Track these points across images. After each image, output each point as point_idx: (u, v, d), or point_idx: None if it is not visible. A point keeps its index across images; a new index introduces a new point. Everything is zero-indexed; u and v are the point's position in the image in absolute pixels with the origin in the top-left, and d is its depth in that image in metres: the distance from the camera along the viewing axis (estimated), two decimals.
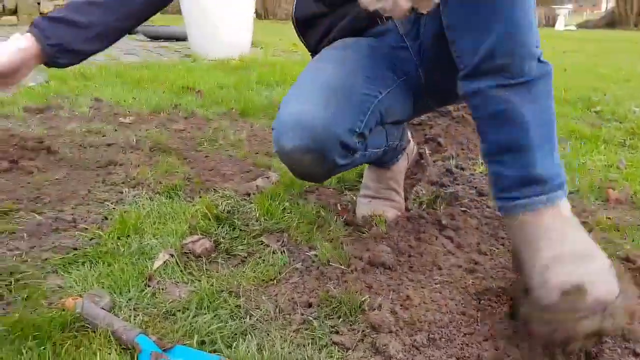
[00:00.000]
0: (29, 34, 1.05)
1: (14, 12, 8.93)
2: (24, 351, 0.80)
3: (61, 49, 1.07)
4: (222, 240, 1.23)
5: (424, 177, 1.48)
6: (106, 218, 1.36)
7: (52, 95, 2.62)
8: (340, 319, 0.93)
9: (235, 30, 4.41)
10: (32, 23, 1.07)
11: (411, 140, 1.49)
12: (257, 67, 3.74)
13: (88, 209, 1.40)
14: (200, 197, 1.49)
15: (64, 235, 1.23)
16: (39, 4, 9.15)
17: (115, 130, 2.13)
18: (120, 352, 0.82)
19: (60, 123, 2.18)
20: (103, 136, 2.05)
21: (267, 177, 1.67)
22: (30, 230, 1.25)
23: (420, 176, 1.41)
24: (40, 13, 9.08)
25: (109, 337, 0.84)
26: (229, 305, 0.97)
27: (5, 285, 1.02)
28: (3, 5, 8.82)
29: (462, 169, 1.74)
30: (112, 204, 1.43)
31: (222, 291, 1.01)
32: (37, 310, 0.93)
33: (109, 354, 0.81)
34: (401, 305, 0.95)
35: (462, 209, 1.41)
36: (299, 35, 1.26)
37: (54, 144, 1.84)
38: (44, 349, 0.81)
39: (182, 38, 6.09)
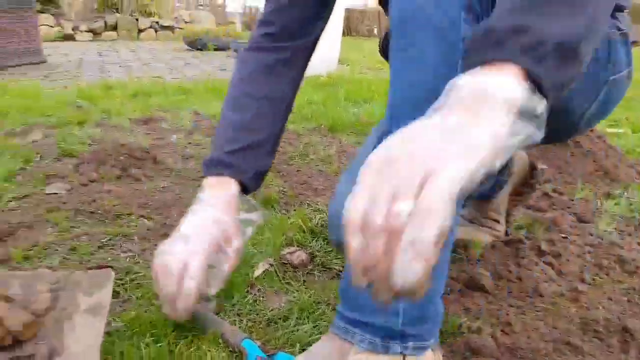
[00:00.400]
0: (214, 179, 0.94)
1: (114, 28, 9.66)
2: (142, 346, 0.87)
3: (257, 175, 0.99)
4: (317, 253, 1.26)
5: (528, 199, 1.43)
6: None
7: (155, 108, 2.80)
8: (438, 340, 0.93)
9: (324, 47, 4.49)
10: (210, 164, 0.96)
11: (523, 156, 1.33)
12: (344, 84, 3.80)
13: None
14: (295, 210, 1.54)
15: None
16: (137, 20, 9.84)
17: (206, 142, 2.24)
18: (229, 354, 0.87)
19: (164, 134, 2.33)
20: (203, 148, 2.16)
21: None
22: (141, 234, 1.35)
23: (526, 197, 1.36)
24: (139, 30, 9.75)
25: (218, 339, 0.88)
26: (327, 317, 0.99)
27: (122, 284, 1.11)
28: (105, 22, 9.55)
29: (561, 193, 1.68)
30: None
31: (319, 302, 1.04)
32: (150, 308, 1.00)
33: (219, 355, 0.85)
34: (502, 331, 0.93)
35: (562, 235, 1.36)
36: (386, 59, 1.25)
37: (159, 154, 1.96)
38: (160, 346, 0.87)
39: None
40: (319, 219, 1.44)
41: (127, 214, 1.47)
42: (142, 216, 1.46)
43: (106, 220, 1.43)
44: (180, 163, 1.96)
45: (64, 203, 1.52)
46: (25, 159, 1.87)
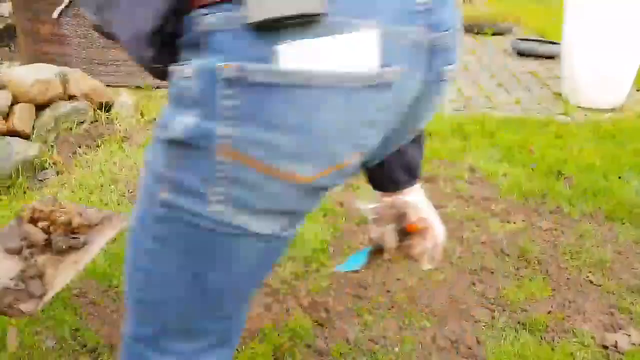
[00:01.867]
0: None
1: None
2: None
3: None
4: None
5: None
6: (479, 342, 1.71)
7: (433, 159, 3.09)
8: None
9: (617, 62, 3.88)
10: None
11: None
12: (634, 134, 3.48)
13: (462, 325, 1.78)
14: (560, 338, 1.71)
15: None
16: None
17: (488, 220, 2.45)
18: None
19: (443, 199, 2.63)
20: (477, 225, 2.40)
21: (627, 334, 1.75)
22: None
23: None
24: None
25: None
26: None
27: None
28: None
29: None
30: (484, 325, 1.77)
31: None
32: None
33: None
34: None
35: None
36: None
37: None
38: None
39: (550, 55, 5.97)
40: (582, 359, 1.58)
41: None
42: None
43: None
44: (458, 248, 2.23)
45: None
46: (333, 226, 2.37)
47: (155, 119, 3.52)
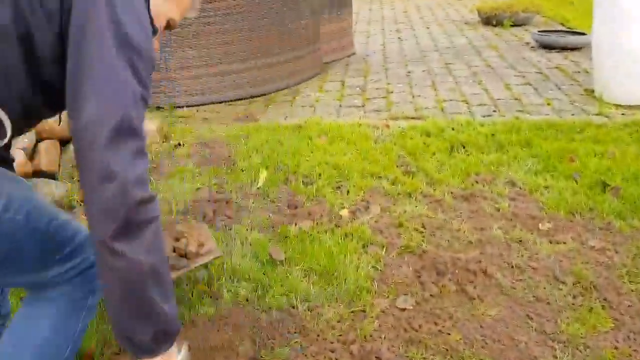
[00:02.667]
0: None
1: None
2: None
3: None
4: None
5: None
6: None
7: (471, 174, 2.97)
8: None
9: None
10: None
11: None
12: None
13: None
14: None
15: None
16: None
17: (536, 242, 2.33)
18: None
19: (486, 219, 2.51)
20: (525, 249, 2.29)
21: None
22: None
23: None
24: None
25: None
26: None
27: None
28: None
29: None
30: None
31: None
32: None
33: None
34: None
35: None
36: None
37: (489, 266, 2.16)
38: None
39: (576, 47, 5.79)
40: None
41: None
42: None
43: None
44: (510, 277, 2.13)
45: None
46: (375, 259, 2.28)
47: (180, 144, 3.46)
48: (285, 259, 2.25)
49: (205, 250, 1.96)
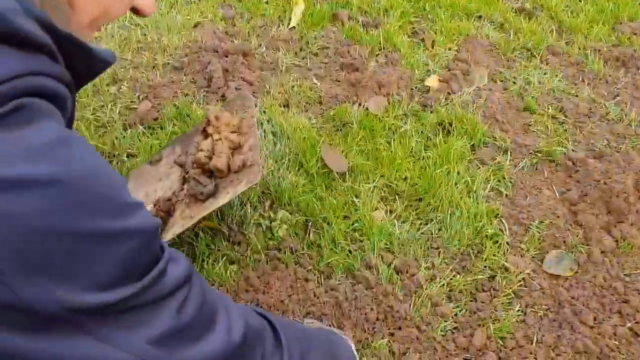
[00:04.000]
0: None
1: None
2: None
3: None
4: None
5: None
6: None
7: (627, 22, 1.92)
8: None
9: None
10: None
11: None
12: None
13: None
14: None
15: None
16: None
17: None
18: None
19: None
20: None
21: None
22: None
23: None
24: None
25: None
26: None
27: None
28: None
29: None
30: None
31: None
32: None
33: None
34: None
35: None
36: None
37: None
38: None
39: None
40: None
41: None
42: None
43: None
44: None
45: None
46: None
47: None
48: (350, 169, 1.35)
49: (242, 162, 1.13)
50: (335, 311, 1.09)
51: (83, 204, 0.41)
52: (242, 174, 1.10)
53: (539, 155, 1.44)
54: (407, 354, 1.05)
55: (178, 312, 0.48)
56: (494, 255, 1.21)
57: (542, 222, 1.28)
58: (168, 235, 1.12)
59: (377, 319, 1.10)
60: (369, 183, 1.33)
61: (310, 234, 1.23)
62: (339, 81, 1.62)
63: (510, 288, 1.16)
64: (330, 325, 1.08)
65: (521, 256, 1.23)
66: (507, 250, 1.23)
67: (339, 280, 1.16)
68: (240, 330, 0.56)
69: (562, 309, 1.13)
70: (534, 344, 1.08)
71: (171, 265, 0.49)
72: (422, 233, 1.25)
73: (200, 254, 1.18)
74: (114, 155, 1.39)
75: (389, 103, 1.54)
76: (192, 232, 1.22)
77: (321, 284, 1.15)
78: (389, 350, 1.06)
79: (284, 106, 1.54)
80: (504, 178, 1.37)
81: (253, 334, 0.59)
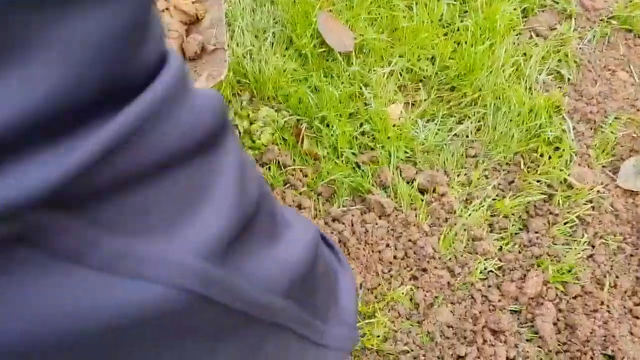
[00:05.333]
0: None
1: None
2: None
3: None
4: None
5: None
6: None
7: None
8: None
9: None
10: None
11: None
12: None
13: None
14: None
15: None
16: None
17: None
18: None
19: None
20: None
21: None
22: None
23: None
24: None
25: None
26: None
27: None
28: None
29: None
30: None
31: None
32: None
33: None
34: None
35: None
36: None
37: None
38: None
39: None
40: None
41: None
42: None
43: None
44: None
45: None
46: None
47: None
48: (357, 47, 0.98)
49: (200, 45, 0.78)
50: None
51: None
52: (201, 64, 0.75)
53: (614, 23, 1.06)
54: (434, 306, 0.78)
55: None
56: (552, 167, 0.89)
57: (617, 118, 0.95)
58: None
59: (395, 259, 0.81)
60: (383, 67, 0.97)
61: (304, 141, 0.90)
62: None
63: (574, 212, 0.86)
64: None
65: (589, 166, 0.91)
66: (571, 158, 0.91)
67: (343, 206, 0.86)
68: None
69: None
70: (605, 290, 0.80)
71: None
72: (455, 136, 0.93)
73: None
74: None
75: None
76: None
77: (319, 211, 0.85)
78: (411, 300, 0.79)
79: None
80: (567, 56, 1.01)
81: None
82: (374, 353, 0.74)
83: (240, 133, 0.91)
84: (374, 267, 0.80)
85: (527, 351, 0.74)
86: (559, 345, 0.77)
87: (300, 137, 0.90)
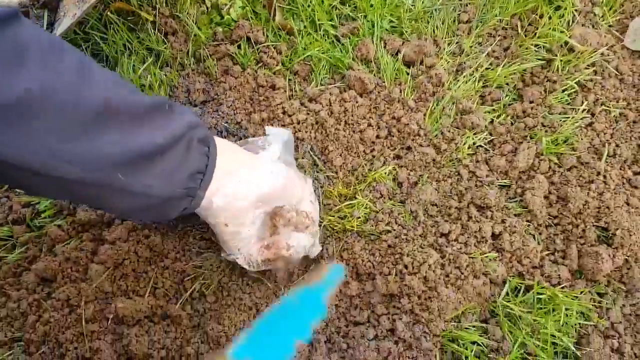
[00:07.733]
0: None
1: None
2: None
3: None
4: None
5: None
6: None
7: None
8: None
9: None
10: None
11: None
12: None
13: None
14: None
15: None
16: None
17: None
18: None
19: None
20: None
21: None
22: None
23: None
24: None
25: None
26: None
27: None
28: None
29: None
30: None
31: None
32: None
33: None
34: None
35: None
36: None
37: None
38: None
39: None
40: None
41: None
42: None
43: None
44: None
45: None
46: None
47: None
48: None
49: None
50: (315, 132, 0.76)
51: None
52: None
53: None
54: (418, 184, 0.74)
55: None
56: (552, 28, 0.80)
57: None
58: (60, 29, 0.75)
59: (378, 138, 0.76)
60: None
61: (277, 14, 0.82)
62: None
63: (574, 77, 0.79)
64: (311, 150, 0.75)
65: (593, 27, 0.82)
66: (574, 18, 0.82)
67: (321, 85, 0.79)
68: None
69: None
70: (602, 160, 0.75)
71: None
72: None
73: (114, 54, 0.81)
74: None
75: None
76: (100, 22, 0.82)
77: (294, 92, 0.79)
78: (394, 180, 0.75)
79: None
80: None
81: None
82: (354, 234, 0.71)
83: (207, 8, 0.83)
84: (355, 148, 0.75)
85: (515, 226, 0.71)
86: (549, 219, 0.73)
87: (273, 8, 0.82)
